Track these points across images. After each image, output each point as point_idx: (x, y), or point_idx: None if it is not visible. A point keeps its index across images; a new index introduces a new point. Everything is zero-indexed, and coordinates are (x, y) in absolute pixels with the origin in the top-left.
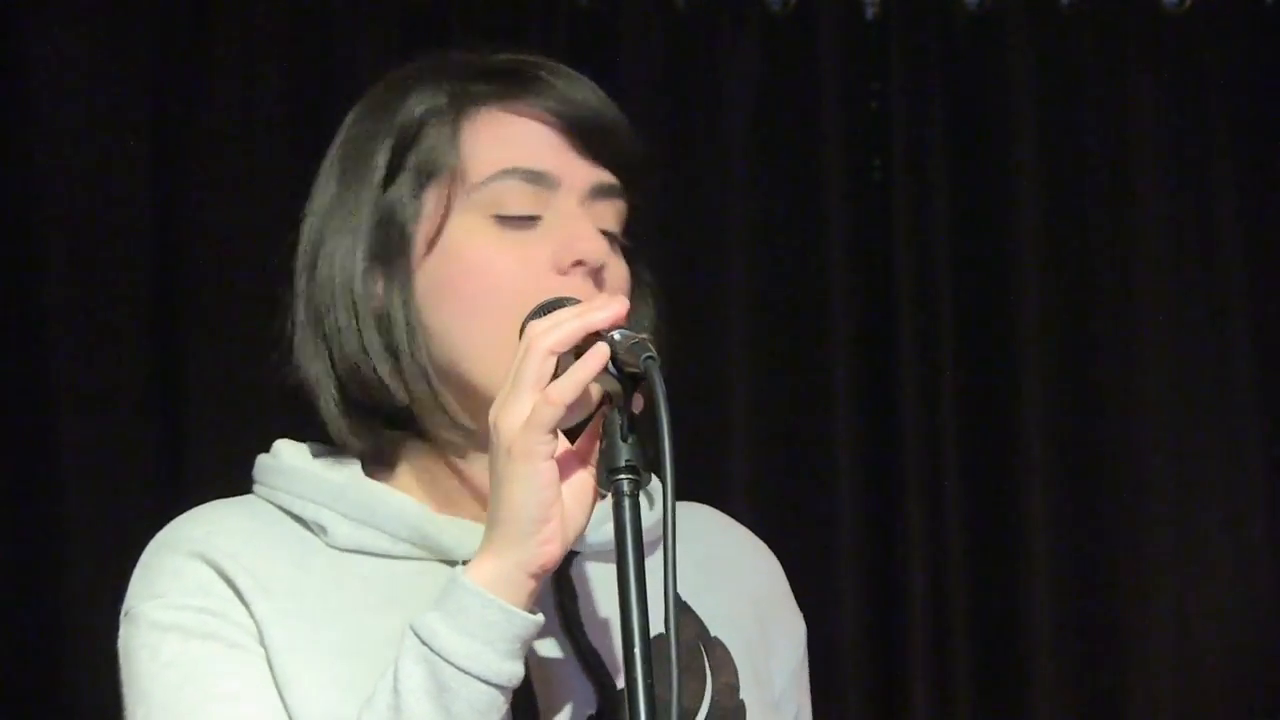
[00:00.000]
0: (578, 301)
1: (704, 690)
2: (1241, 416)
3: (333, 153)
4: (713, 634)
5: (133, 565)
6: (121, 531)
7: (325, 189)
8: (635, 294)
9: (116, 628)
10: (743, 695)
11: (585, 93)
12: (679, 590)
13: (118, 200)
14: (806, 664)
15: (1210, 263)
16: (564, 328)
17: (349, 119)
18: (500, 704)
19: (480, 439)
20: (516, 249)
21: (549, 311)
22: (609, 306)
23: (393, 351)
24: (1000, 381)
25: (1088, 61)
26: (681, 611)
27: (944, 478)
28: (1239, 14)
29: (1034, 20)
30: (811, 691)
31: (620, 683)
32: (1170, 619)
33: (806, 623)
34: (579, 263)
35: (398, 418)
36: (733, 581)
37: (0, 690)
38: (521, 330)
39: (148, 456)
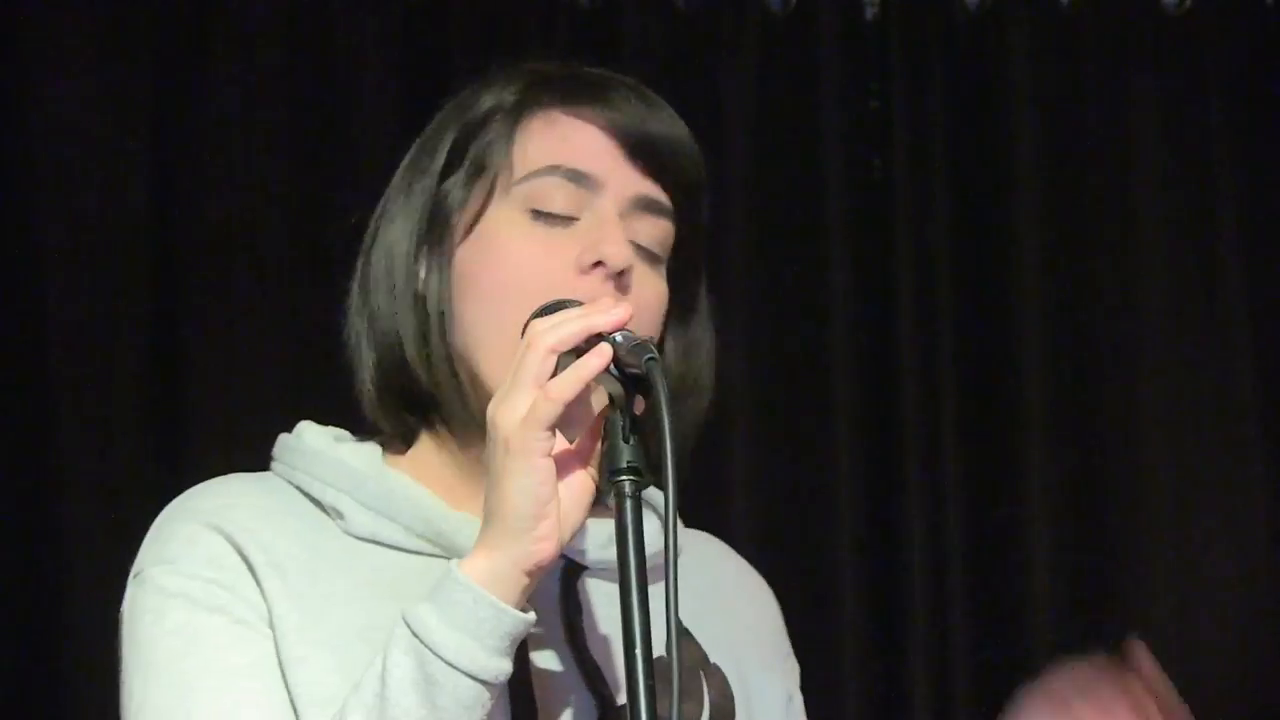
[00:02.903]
0: (581, 303)
1: (701, 714)
2: (1241, 419)
3: (415, 144)
4: (713, 661)
5: (131, 566)
6: (120, 533)
7: (399, 176)
8: (686, 320)
9: (117, 628)
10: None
11: (652, 113)
12: (680, 616)
13: (118, 200)
14: (801, 703)
15: (1210, 263)
16: (566, 327)
17: (437, 115)
18: (486, 700)
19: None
20: (544, 244)
21: (553, 311)
22: (613, 309)
23: (424, 336)
24: (1000, 382)
25: (1088, 61)
26: (683, 636)
27: (944, 479)
28: (1239, 14)
29: (1034, 20)
30: (813, 693)
31: (621, 699)
32: (1170, 622)
33: (805, 620)
34: (599, 264)
35: (423, 404)
36: (734, 611)
37: (0, 690)
38: (524, 329)
39: (148, 457)
